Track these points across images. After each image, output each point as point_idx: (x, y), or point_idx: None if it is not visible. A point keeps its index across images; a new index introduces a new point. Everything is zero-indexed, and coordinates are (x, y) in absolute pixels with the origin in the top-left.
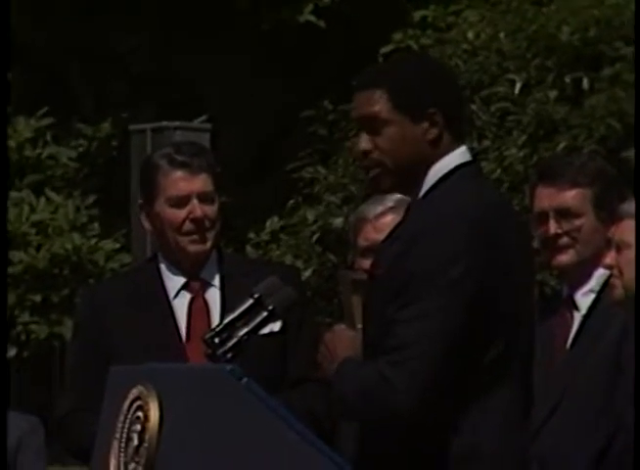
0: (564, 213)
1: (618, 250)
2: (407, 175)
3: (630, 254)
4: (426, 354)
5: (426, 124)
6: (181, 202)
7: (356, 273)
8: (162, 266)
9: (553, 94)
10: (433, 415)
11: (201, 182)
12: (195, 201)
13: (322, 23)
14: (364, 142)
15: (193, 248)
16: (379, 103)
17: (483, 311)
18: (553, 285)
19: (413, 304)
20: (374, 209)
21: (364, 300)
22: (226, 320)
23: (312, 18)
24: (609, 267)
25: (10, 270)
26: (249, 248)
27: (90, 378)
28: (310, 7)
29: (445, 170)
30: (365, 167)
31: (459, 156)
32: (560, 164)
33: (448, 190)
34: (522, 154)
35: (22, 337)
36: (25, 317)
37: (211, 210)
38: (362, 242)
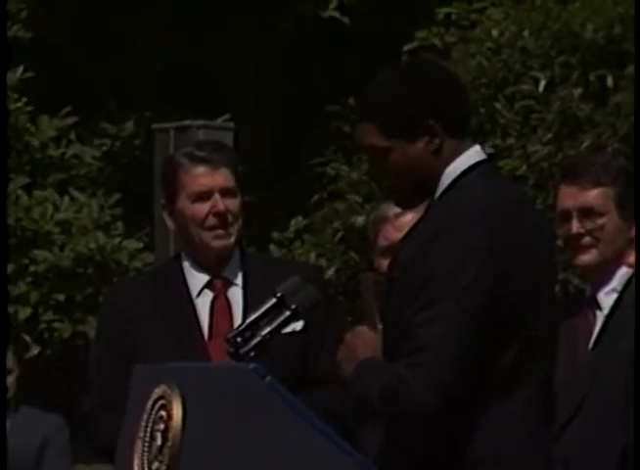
0: (586, 213)
1: None
2: (421, 190)
3: None
4: (443, 357)
5: (425, 138)
6: (203, 197)
7: (377, 274)
8: (185, 265)
9: (577, 92)
10: (451, 417)
11: (222, 177)
12: (217, 195)
13: (346, 20)
14: (372, 169)
15: (217, 243)
16: (372, 135)
17: (502, 312)
18: (577, 284)
19: (431, 306)
20: (394, 208)
21: (383, 301)
22: (249, 319)
23: (336, 14)
24: (633, 266)
25: (33, 269)
26: (272, 246)
27: (114, 376)
28: (335, 3)
29: (460, 171)
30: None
31: (473, 155)
32: (583, 164)
33: (464, 189)
34: (546, 151)
35: (46, 335)
36: (49, 316)
37: (234, 204)
38: (382, 241)
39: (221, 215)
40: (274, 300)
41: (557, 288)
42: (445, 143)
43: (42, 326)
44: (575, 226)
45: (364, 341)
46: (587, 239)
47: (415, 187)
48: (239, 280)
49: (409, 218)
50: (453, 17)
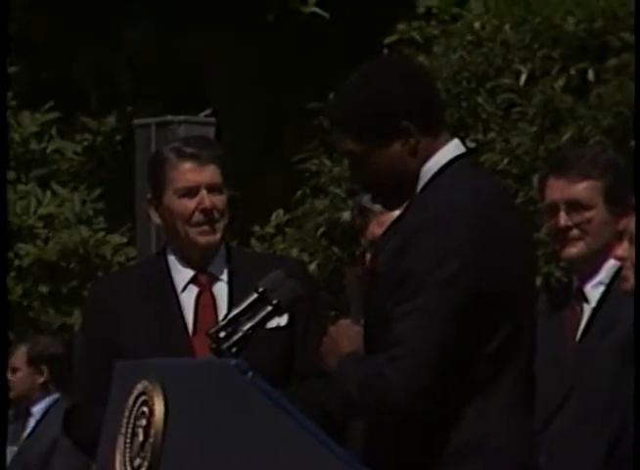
0: (574, 206)
1: (631, 241)
2: (403, 189)
3: None
4: (421, 350)
5: (401, 139)
6: (190, 193)
7: (361, 269)
8: (171, 260)
9: (559, 85)
10: (432, 409)
11: (209, 173)
12: (204, 192)
13: (327, 15)
14: (353, 172)
15: (203, 239)
16: (348, 143)
17: (481, 305)
18: (558, 276)
19: (409, 300)
20: None
21: (365, 295)
22: (231, 315)
23: (317, 9)
24: (620, 259)
25: (17, 263)
26: (253, 241)
27: (98, 372)
28: None
29: (439, 166)
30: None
31: (451, 149)
32: (571, 157)
33: (444, 183)
34: (528, 143)
35: (31, 330)
36: (35, 307)
37: (220, 200)
38: (368, 235)
39: (208, 212)
40: (256, 295)
41: (539, 281)
42: (421, 142)
43: (30, 314)
44: (563, 219)
45: (348, 334)
46: (575, 232)
47: (395, 187)
48: (224, 275)
49: (394, 214)
50: (434, 10)
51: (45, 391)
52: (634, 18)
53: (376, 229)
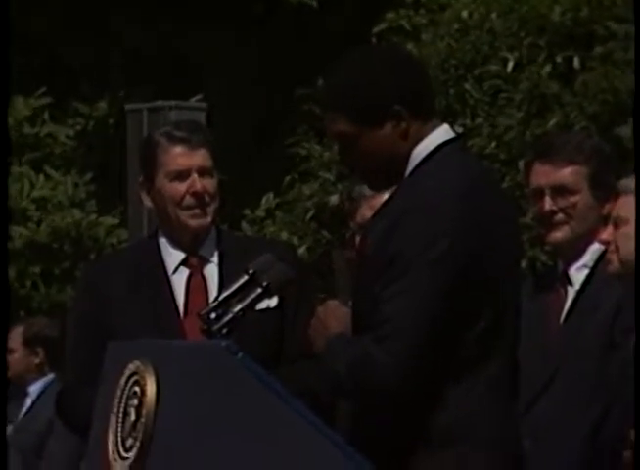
0: (559, 190)
1: (616, 225)
2: (391, 172)
3: (628, 229)
4: (408, 330)
5: (393, 122)
6: (181, 176)
7: (350, 251)
8: (162, 242)
9: (545, 72)
10: (418, 390)
11: (200, 157)
12: (195, 175)
13: (315, 3)
14: (343, 155)
15: (194, 222)
16: (340, 123)
17: (468, 287)
18: (544, 260)
19: (397, 281)
20: None
21: (354, 277)
22: (221, 297)
23: None
24: (605, 243)
25: (10, 246)
26: (244, 224)
27: (89, 352)
28: None
29: (428, 150)
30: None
31: (441, 134)
32: (557, 143)
33: (433, 168)
34: (516, 128)
35: (22, 313)
36: (28, 286)
37: (211, 184)
38: (358, 219)
39: (198, 195)
40: (246, 277)
41: (525, 264)
42: (412, 126)
43: (22, 292)
44: (548, 203)
45: (336, 315)
46: (560, 216)
47: (385, 170)
48: (215, 258)
49: (384, 198)
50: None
51: (40, 372)
52: (632, 8)
53: (366, 212)
